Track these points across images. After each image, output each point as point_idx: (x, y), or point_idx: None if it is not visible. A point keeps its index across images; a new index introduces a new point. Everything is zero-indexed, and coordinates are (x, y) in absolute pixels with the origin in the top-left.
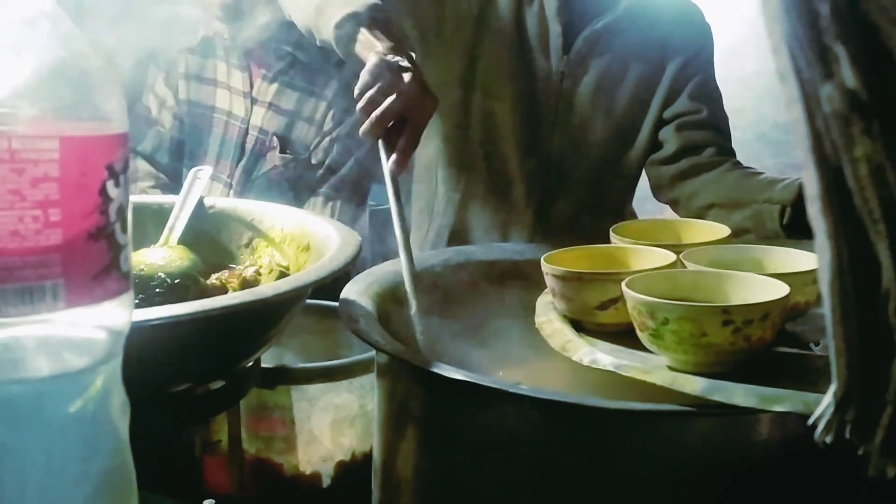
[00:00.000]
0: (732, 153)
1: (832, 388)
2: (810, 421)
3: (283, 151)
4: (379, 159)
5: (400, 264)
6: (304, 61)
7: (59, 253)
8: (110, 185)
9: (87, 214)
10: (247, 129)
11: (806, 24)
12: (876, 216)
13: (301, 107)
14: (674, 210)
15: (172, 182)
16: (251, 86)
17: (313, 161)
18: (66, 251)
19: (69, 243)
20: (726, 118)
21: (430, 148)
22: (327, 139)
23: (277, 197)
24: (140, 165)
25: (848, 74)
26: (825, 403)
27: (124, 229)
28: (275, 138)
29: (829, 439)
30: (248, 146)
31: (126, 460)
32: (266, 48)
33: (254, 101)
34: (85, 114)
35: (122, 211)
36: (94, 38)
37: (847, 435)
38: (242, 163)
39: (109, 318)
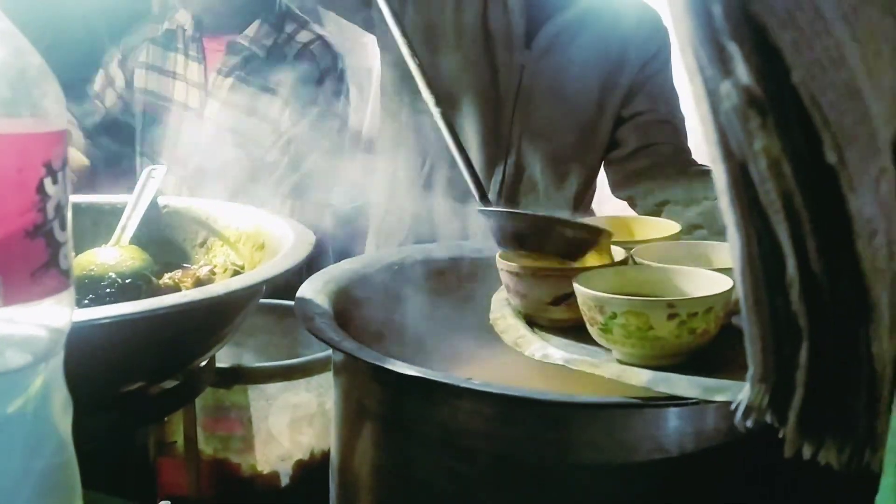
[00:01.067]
0: (688, 151)
1: (749, 373)
2: (732, 406)
3: (237, 147)
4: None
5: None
6: (260, 57)
7: None
8: (48, 182)
9: (23, 212)
10: (201, 122)
11: (703, 24)
12: (777, 207)
13: (256, 102)
14: (630, 206)
15: (104, 157)
16: (206, 78)
17: (269, 160)
18: (2, 248)
19: (6, 241)
20: (683, 118)
21: (394, 129)
22: (284, 138)
23: (228, 193)
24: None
25: (742, 72)
26: (745, 388)
27: (63, 227)
28: (229, 133)
29: (749, 423)
30: (203, 140)
31: (69, 459)
32: (223, 42)
33: (209, 94)
34: (22, 111)
35: (60, 208)
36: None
37: (767, 418)
38: (196, 157)
39: (49, 316)
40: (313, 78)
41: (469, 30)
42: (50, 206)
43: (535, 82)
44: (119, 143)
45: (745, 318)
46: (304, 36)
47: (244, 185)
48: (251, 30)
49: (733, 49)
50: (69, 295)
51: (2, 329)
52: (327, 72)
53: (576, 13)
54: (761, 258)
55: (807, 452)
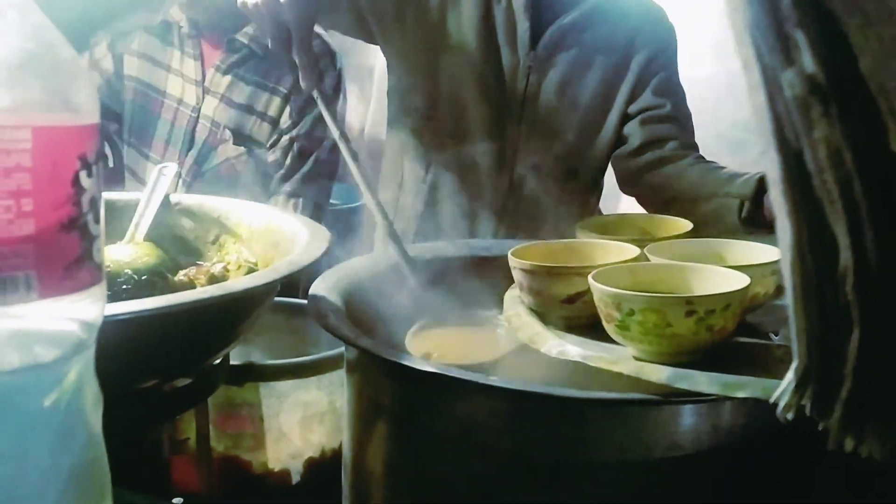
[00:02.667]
0: (695, 147)
1: (793, 366)
2: (772, 399)
3: (236, 144)
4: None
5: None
6: (259, 55)
7: (31, 244)
8: (83, 175)
9: (59, 205)
10: (197, 118)
11: (767, 12)
12: (834, 197)
13: (254, 101)
14: (639, 203)
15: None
16: (203, 75)
17: (270, 159)
18: (38, 242)
19: (41, 234)
20: (689, 114)
21: (397, 138)
22: (286, 138)
23: (227, 190)
24: None
25: (808, 60)
26: (786, 381)
27: (97, 220)
28: (227, 131)
29: (790, 416)
30: (199, 136)
31: (100, 454)
32: (221, 39)
33: (206, 91)
34: (57, 104)
35: (94, 202)
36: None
37: (807, 412)
38: (193, 153)
39: (82, 310)
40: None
41: (472, 32)
42: (85, 200)
43: (541, 82)
44: (104, 127)
45: (791, 309)
46: None
47: (246, 184)
48: (250, 28)
49: (799, 37)
50: (101, 289)
51: (36, 323)
52: (325, 70)
53: (581, 13)
54: (812, 249)
55: (849, 445)
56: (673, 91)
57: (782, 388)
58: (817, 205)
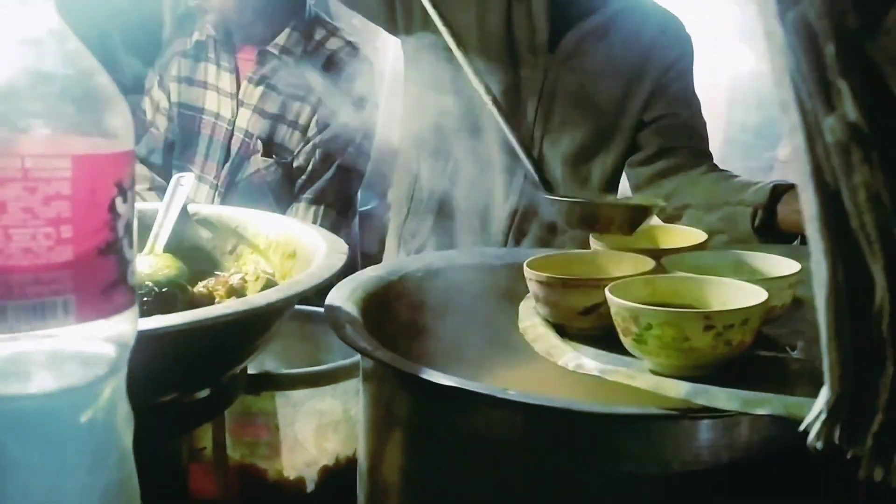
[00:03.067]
0: (709, 156)
1: (824, 397)
2: (802, 427)
3: (266, 155)
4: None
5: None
6: (290, 65)
7: (69, 269)
8: (119, 201)
9: (97, 230)
10: (232, 131)
11: (811, 60)
12: (872, 238)
13: (285, 110)
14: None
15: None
16: (238, 87)
17: (295, 165)
18: (76, 267)
19: (80, 259)
20: (704, 123)
21: (416, 131)
22: (310, 144)
23: (259, 200)
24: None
25: (850, 108)
26: (817, 410)
27: (131, 244)
28: (258, 142)
29: (819, 445)
30: (234, 148)
31: (131, 472)
32: (254, 51)
33: (240, 104)
34: (94, 131)
35: (129, 226)
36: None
37: (836, 440)
38: (228, 165)
39: (116, 332)
40: (342, 84)
41: (493, 34)
42: (120, 225)
43: (557, 86)
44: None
45: (824, 342)
46: (333, 43)
47: (275, 193)
48: (281, 38)
49: (843, 86)
50: (135, 311)
51: (73, 345)
52: (356, 78)
53: (600, 19)
54: (847, 286)
55: (878, 475)
56: (688, 100)
57: (813, 417)
58: (854, 245)
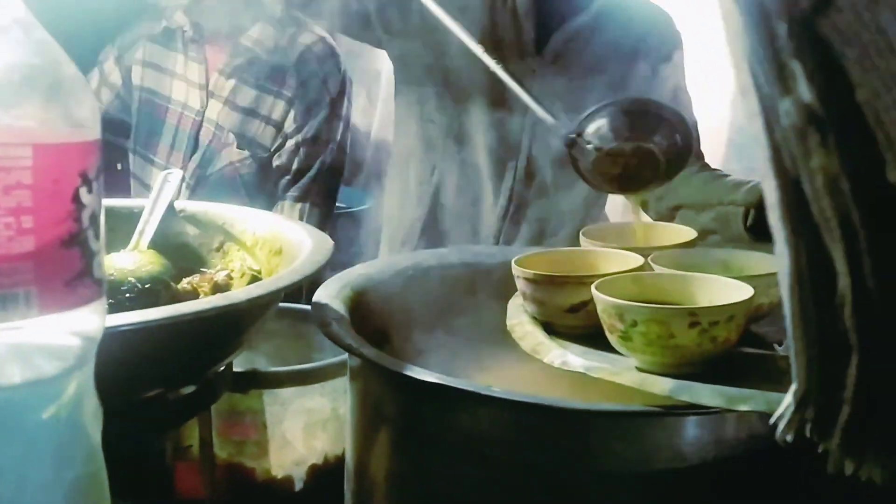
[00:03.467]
0: (701, 155)
1: (793, 388)
2: (772, 420)
3: (239, 148)
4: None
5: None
6: (263, 58)
7: (31, 260)
8: (83, 191)
9: (60, 221)
10: (201, 122)
11: (764, 42)
12: (832, 224)
13: (258, 104)
14: (643, 209)
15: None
16: (207, 79)
17: (276, 163)
18: (38, 258)
19: (42, 250)
20: (695, 121)
21: (405, 139)
22: (291, 142)
23: (230, 194)
24: None
25: (804, 90)
26: (786, 403)
27: (97, 236)
28: (230, 135)
29: (789, 438)
30: (203, 140)
31: (99, 467)
32: (226, 43)
33: (210, 95)
34: (58, 121)
35: (94, 217)
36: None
37: (807, 433)
38: (196, 157)
39: (82, 325)
40: (316, 79)
41: (477, 38)
42: (85, 216)
43: (545, 87)
44: (117, 142)
45: (790, 333)
46: (306, 38)
47: (249, 187)
48: (255, 31)
49: (796, 67)
50: (101, 303)
51: (36, 338)
52: (330, 73)
53: (586, 18)
54: (810, 274)
55: (849, 468)
56: (678, 98)
57: (782, 410)
58: (815, 231)
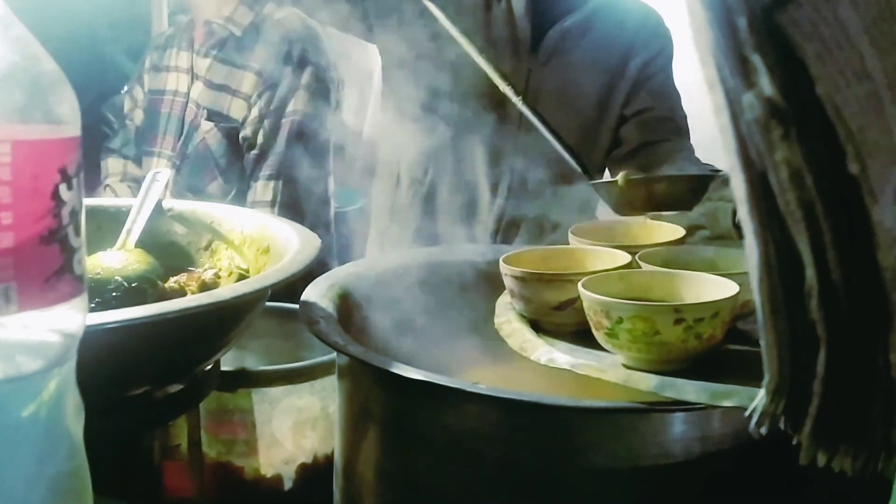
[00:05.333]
0: (691, 149)
1: (765, 381)
2: (746, 413)
3: (210, 120)
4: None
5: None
6: (236, 35)
7: (10, 256)
8: (63, 188)
9: (39, 218)
10: (186, 103)
11: (726, 36)
12: (797, 217)
13: (230, 80)
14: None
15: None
16: (192, 63)
17: (241, 135)
18: (17, 255)
19: (21, 247)
20: (685, 115)
21: (392, 141)
22: (255, 110)
23: (204, 169)
24: (110, 163)
25: (765, 83)
26: (759, 396)
27: (77, 232)
28: (204, 111)
29: (763, 430)
30: (187, 120)
31: (81, 464)
32: (205, 26)
33: (195, 77)
34: (37, 117)
35: (75, 214)
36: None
37: (781, 425)
38: (182, 137)
39: (63, 322)
40: (282, 49)
41: (472, 36)
42: (65, 212)
43: (540, 86)
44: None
45: (760, 326)
46: (277, 12)
47: (218, 162)
48: (227, 9)
49: (757, 61)
50: (82, 300)
51: (16, 334)
52: (296, 42)
53: (580, 17)
54: (779, 267)
55: (821, 460)
56: (668, 93)
57: (755, 403)
58: (782, 224)
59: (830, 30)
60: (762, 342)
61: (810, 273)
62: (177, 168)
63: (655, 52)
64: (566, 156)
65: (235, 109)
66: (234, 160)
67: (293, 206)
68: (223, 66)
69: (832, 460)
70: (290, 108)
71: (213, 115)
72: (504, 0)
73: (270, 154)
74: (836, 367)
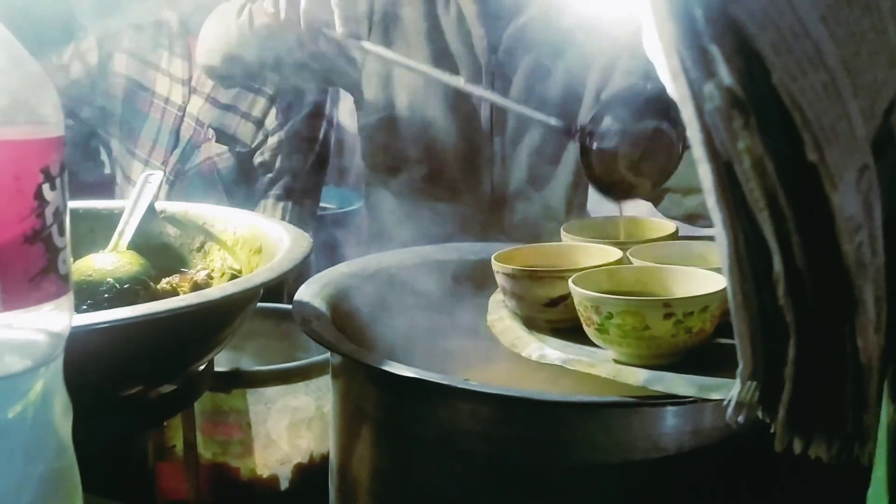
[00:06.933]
0: (680, 124)
1: (739, 369)
2: (724, 403)
3: (218, 143)
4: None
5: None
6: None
7: None
8: (46, 188)
9: (22, 218)
10: (182, 117)
11: (686, 27)
12: (761, 205)
13: (238, 101)
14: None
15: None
16: (190, 74)
17: (258, 161)
18: (1, 255)
19: (4, 247)
20: (664, 87)
21: (374, 182)
22: (273, 139)
23: (208, 189)
24: None
25: (724, 73)
26: (736, 384)
27: (62, 232)
28: (210, 130)
29: (741, 419)
30: (184, 135)
31: (69, 463)
32: None
33: (192, 91)
34: (20, 118)
35: (58, 214)
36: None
37: (758, 413)
38: (177, 152)
39: (48, 321)
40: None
41: (420, 46)
42: (48, 212)
43: (508, 87)
44: (82, 123)
45: (733, 315)
46: None
47: (226, 182)
48: None
49: (715, 51)
50: (68, 300)
51: (1, 334)
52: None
53: (536, 11)
54: (748, 255)
55: (797, 447)
56: (643, 67)
57: (732, 392)
58: (749, 213)
59: (785, 19)
60: (735, 330)
61: (777, 260)
62: (170, 182)
63: (620, 35)
64: (542, 117)
65: (247, 132)
66: (242, 180)
67: (301, 225)
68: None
69: (808, 447)
70: (306, 134)
71: (223, 137)
72: (453, 8)
73: (285, 176)
74: (805, 353)
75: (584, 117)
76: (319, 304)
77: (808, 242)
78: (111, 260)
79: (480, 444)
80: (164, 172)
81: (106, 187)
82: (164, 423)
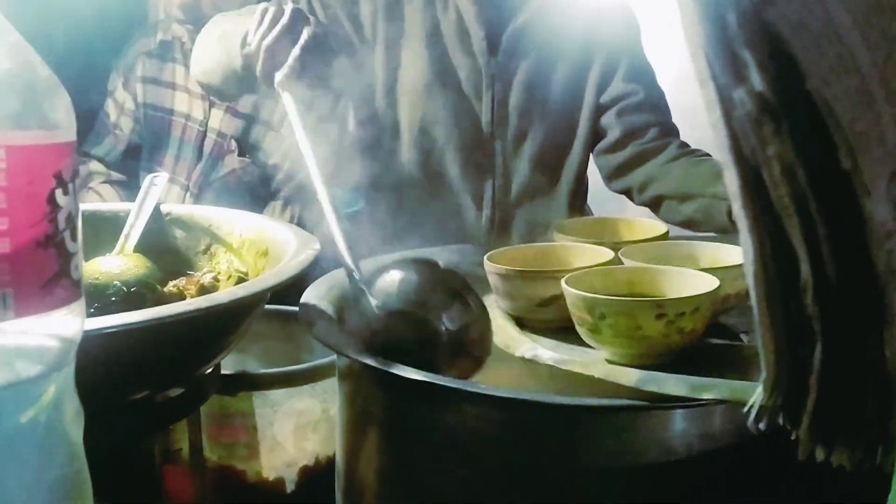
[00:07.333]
0: (676, 131)
1: (762, 377)
2: (745, 409)
3: (241, 155)
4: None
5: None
6: None
7: (6, 262)
8: (58, 193)
9: (35, 223)
10: (205, 132)
11: (717, 32)
12: (790, 211)
13: (258, 110)
14: (629, 199)
15: (128, 179)
16: None
17: (271, 162)
18: (14, 260)
19: (17, 252)
20: (662, 94)
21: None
22: (286, 142)
23: (235, 201)
24: (92, 166)
25: (756, 79)
26: (758, 391)
27: (74, 237)
28: (233, 142)
29: (762, 426)
30: (206, 149)
31: (81, 468)
32: None
33: (212, 104)
34: (32, 123)
35: (71, 219)
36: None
37: (780, 421)
38: (200, 166)
39: (60, 327)
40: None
41: (429, 50)
42: (61, 217)
43: (507, 89)
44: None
45: (757, 322)
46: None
47: (250, 193)
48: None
49: (747, 57)
50: (80, 305)
51: (14, 340)
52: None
53: (534, 12)
54: (774, 262)
55: (820, 455)
56: (642, 74)
57: (754, 399)
58: (776, 218)
59: (819, 25)
60: (758, 337)
61: (805, 267)
62: (194, 196)
63: (621, 34)
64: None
65: (269, 141)
66: (265, 187)
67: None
68: (250, 95)
69: (831, 455)
70: (318, 137)
71: (245, 147)
72: (451, 10)
73: (294, 179)
74: (831, 361)
75: (586, 121)
76: (325, 305)
77: (838, 249)
78: (118, 263)
79: (488, 448)
80: (188, 186)
81: None
82: (171, 427)
